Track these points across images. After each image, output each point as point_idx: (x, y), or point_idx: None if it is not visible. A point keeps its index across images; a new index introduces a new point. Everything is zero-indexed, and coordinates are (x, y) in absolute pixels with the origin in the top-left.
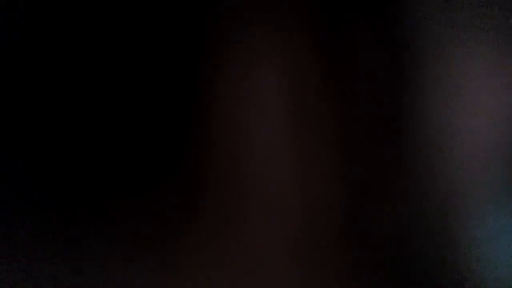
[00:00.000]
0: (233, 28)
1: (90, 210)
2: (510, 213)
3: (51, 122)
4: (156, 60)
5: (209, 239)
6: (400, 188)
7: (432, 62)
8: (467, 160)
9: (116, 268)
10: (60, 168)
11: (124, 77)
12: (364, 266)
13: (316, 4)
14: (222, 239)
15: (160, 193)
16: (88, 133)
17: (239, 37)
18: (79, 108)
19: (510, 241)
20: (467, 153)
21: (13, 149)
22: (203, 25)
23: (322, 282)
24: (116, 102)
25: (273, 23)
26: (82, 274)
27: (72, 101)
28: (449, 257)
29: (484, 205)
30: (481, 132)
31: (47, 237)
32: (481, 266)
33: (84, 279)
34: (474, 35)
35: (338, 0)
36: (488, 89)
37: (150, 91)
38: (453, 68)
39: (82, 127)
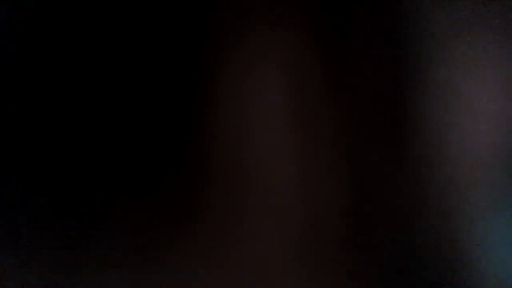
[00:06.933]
0: (235, 27)
1: (90, 210)
2: (510, 213)
3: (51, 122)
4: (157, 60)
5: (210, 239)
6: (400, 189)
7: (433, 63)
8: (467, 160)
9: (116, 269)
10: (60, 168)
11: (125, 77)
12: (365, 267)
13: (317, 4)
14: (224, 240)
15: (160, 193)
16: (89, 133)
17: (241, 37)
18: (79, 108)
19: (510, 241)
20: (467, 153)
21: (15, 148)
22: (205, 25)
23: (323, 282)
24: (116, 101)
25: (275, 23)
26: (81, 275)
27: (72, 101)
28: (449, 257)
29: (484, 205)
30: (481, 132)
31: (46, 237)
32: (481, 266)
33: (84, 280)
34: (475, 35)
35: (340, 0)
36: (488, 90)
37: (151, 91)
38: (454, 69)
39: (82, 127)
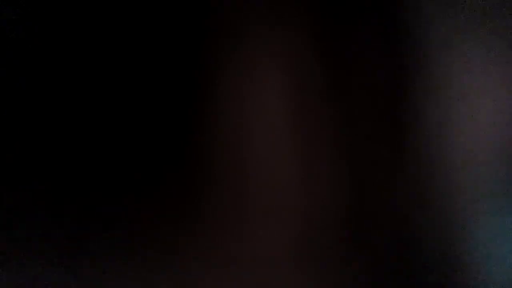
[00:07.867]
0: (235, 27)
1: (90, 210)
2: (510, 213)
3: (51, 123)
4: (158, 60)
5: (210, 239)
6: (401, 189)
7: (433, 63)
8: (468, 160)
9: (116, 269)
10: (61, 168)
11: (125, 77)
12: (365, 267)
13: (317, 4)
14: (224, 240)
15: (161, 193)
16: (89, 133)
17: (241, 37)
18: (80, 108)
19: (510, 241)
20: (467, 153)
21: (15, 148)
22: (205, 25)
23: (323, 282)
24: (116, 101)
25: (275, 23)
26: (82, 275)
27: (73, 101)
28: (450, 257)
29: (484, 205)
30: (482, 132)
31: (46, 237)
32: (481, 266)
33: (83, 280)
34: (475, 35)
35: (340, 0)
36: (488, 89)
37: (151, 91)
38: (454, 69)
39: (83, 127)
